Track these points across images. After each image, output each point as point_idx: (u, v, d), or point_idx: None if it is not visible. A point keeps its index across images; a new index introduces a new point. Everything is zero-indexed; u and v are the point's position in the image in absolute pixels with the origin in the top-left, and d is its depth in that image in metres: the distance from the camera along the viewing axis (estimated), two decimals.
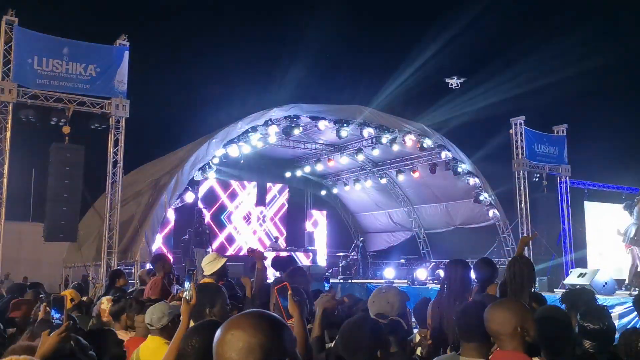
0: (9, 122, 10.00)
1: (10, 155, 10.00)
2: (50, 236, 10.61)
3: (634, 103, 20.07)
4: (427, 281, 12.55)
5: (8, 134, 9.99)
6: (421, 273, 12.48)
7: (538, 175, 15.26)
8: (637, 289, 9.57)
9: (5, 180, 9.93)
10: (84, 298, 5.90)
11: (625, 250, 12.05)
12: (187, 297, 2.75)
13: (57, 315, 2.59)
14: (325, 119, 13.93)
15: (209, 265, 4.65)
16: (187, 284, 2.82)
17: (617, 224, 16.78)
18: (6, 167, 9.93)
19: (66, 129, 10.45)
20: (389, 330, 2.97)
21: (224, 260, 4.87)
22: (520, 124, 15.05)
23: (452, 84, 18.66)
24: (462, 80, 18.65)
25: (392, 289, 3.63)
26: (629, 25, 19.76)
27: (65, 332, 2.55)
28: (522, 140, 14.97)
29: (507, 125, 15.36)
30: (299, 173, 18.29)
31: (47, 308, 3.04)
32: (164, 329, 3.32)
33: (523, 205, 14.91)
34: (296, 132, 14.01)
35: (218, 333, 1.44)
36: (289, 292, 2.63)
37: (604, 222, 17.20)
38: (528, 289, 3.66)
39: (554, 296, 7.54)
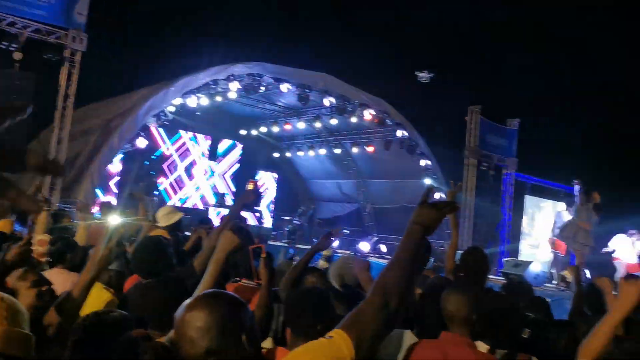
0: None
1: None
2: None
3: (578, 110, 20.85)
4: (369, 254, 12.82)
5: None
6: (364, 245, 12.72)
7: (486, 165, 15.71)
8: (563, 284, 10.06)
9: None
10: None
11: (549, 244, 12.28)
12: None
13: (18, 228, 2.88)
14: (288, 82, 13.78)
15: (165, 217, 4.61)
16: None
17: (551, 219, 17.61)
18: None
19: (17, 55, 9.93)
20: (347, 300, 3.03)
21: (180, 215, 4.94)
22: (477, 112, 15.39)
23: (421, 77, 18.69)
24: (431, 75, 18.70)
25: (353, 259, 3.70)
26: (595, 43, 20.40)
27: (27, 244, 2.81)
28: (476, 129, 15.33)
29: (463, 112, 15.69)
30: (254, 132, 18.11)
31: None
32: None
33: (468, 192, 15.35)
34: (257, 91, 13.83)
35: (179, 313, 1.55)
36: (263, 255, 2.65)
37: (539, 216, 18.01)
38: (483, 279, 3.82)
39: (489, 283, 7.83)
